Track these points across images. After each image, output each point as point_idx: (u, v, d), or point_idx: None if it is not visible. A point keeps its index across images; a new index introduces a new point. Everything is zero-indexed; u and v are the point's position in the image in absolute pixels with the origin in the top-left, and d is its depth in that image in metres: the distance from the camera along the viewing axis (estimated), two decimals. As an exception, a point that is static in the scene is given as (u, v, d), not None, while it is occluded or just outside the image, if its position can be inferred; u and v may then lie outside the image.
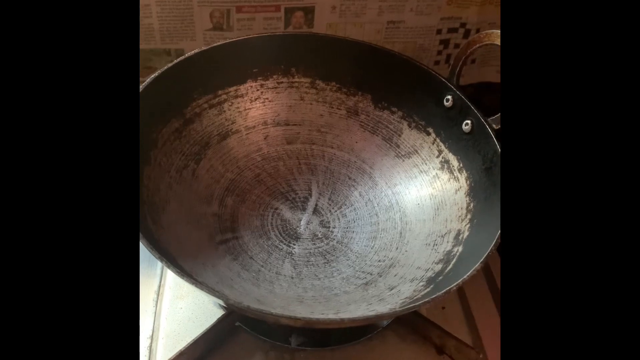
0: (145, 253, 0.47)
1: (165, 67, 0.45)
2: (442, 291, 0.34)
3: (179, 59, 0.46)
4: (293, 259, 0.45)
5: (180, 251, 0.39)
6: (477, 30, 0.59)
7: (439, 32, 0.60)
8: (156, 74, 0.44)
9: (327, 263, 0.45)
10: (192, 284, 0.33)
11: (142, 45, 0.55)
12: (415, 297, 0.38)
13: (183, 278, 0.33)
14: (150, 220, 0.39)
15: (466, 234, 0.42)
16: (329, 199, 0.50)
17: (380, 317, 0.34)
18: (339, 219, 0.48)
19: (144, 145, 0.42)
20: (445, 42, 0.61)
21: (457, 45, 0.61)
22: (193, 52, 0.47)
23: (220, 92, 0.49)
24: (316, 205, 0.49)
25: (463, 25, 0.59)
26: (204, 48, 0.47)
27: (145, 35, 0.54)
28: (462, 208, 0.44)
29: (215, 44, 0.48)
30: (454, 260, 0.40)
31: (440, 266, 0.41)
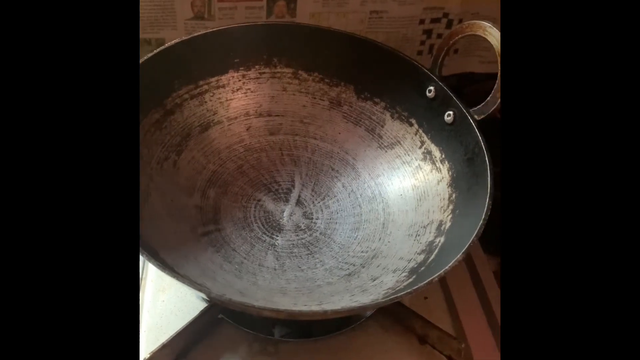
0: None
1: (145, 57, 0.44)
2: (424, 282, 0.34)
3: (159, 49, 0.45)
4: (276, 250, 0.44)
5: (161, 244, 0.39)
6: (460, 21, 0.59)
7: (421, 22, 0.59)
8: (135, 64, 0.43)
9: (310, 254, 0.45)
10: (174, 277, 0.33)
11: None
12: (397, 288, 0.38)
13: (165, 271, 0.32)
14: (130, 213, 0.39)
15: (448, 224, 0.42)
16: (312, 191, 0.49)
17: (363, 308, 0.34)
18: (322, 210, 0.48)
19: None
20: (428, 32, 0.61)
21: (439, 36, 0.61)
22: (173, 41, 0.46)
23: (201, 82, 0.49)
24: (299, 196, 0.49)
25: (446, 15, 0.59)
26: (184, 38, 0.47)
27: (125, 24, 0.53)
28: (444, 199, 0.44)
29: (196, 34, 0.47)
30: (436, 250, 0.40)
31: (422, 257, 0.41)
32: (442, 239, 0.41)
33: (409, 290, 0.33)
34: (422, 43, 0.62)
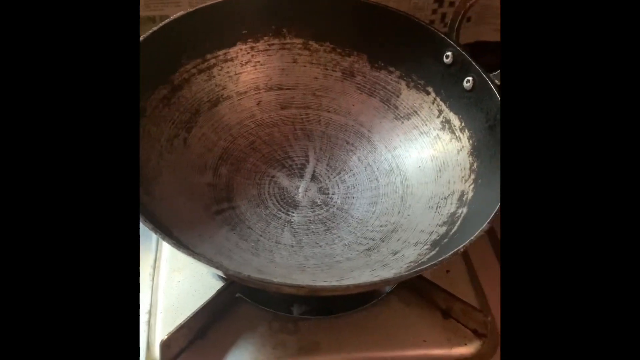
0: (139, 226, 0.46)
1: (150, 31, 0.42)
2: (448, 254, 0.32)
3: (163, 23, 0.44)
4: (292, 227, 0.43)
5: (175, 223, 0.38)
6: None
7: None
8: (141, 38, 0.42)
9: (328, 230, 0.43)
10: (190, 255, 0.31)
11: None
12: (420, 261, 0.37)
13: (180, 250, 0.31)
14: (143, 192, 0.37)
15: (470, 194, 0.40)
16: (327, 165, 0.48)
17: (385, 281, 0.33)
18: (337, 185, 0.47)
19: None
20: (440, 1, 0.59)
21: (452, 4, 0.59)
22: (178, 14, 0.44)
23: (208, 56, 0.47)
24: (314, 171, 0.47)
25: None
26: (190, 10, 0.45)
27: (128, 1, 0.51)
28: (465, 168, 0.42)
29: (201, 5, 0.46)
30: (459, 222, 0.39)
31: (444, 229, 0.39)
32: (464, 210, 0.40)
33: (432, 263, 0.32)
34: (434, 12, 0.60)
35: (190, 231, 0.39)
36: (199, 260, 0.31)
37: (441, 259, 0.32)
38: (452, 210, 0.41)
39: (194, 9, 0.45)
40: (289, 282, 0.32)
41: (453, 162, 0.44)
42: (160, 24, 0.43)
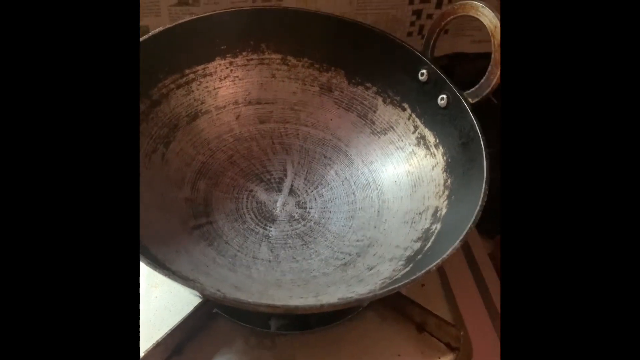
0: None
1: (128, 47, 0.42)
2: (422, 271, 0.33)
3: (142, 38, 0.44)
4: (270, 242, 0.44)
5: (152, 239, 0.38)
6: (450, 1, 0.58)
7: (411, 2, 0.58)
8: (118, 54, 0.42)
9: (305, 245, 0.44)
10: (167, 275, 0.32)
11: None
12: (394, 277, 0.38)
13: (157, 270, 0.32)
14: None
15: (444, 210, 0.41)
16: (305, 179, 0.49)
17: (360, 300, 0.33)
18: (315, 199, 0.47)
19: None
20: (417, 13, 0.60)
21: (430, 16, 0.60)
22: (157, 30, 0.45)
23: (187, 71, 0.47)
24: (292, 185, 0.48)
25: None
26: (168, 26, 0.45)
27: (107, 11, 0.51)
28: (439, 184, 0.43)
29: (180, 21, 0.46)
30: (433, 237, 0.40)
31: (419, 244, 0.40)
32: (438, 226, 0.40)
33: (406, 281, 0.33)
34: (412, 24, 0.61)
35: (167, 247, 0.39)
36: (175, 280, 0.31)
37: (414, 277, 0.33)
38: (427, 225, 0.41)
39: (172, 24, 0.45)
40: (265, 301, 0.32)
41: (428, 177, 0.45)
42: (139, 40, 0.43)
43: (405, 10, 0.59)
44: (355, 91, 0.50)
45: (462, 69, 0.64)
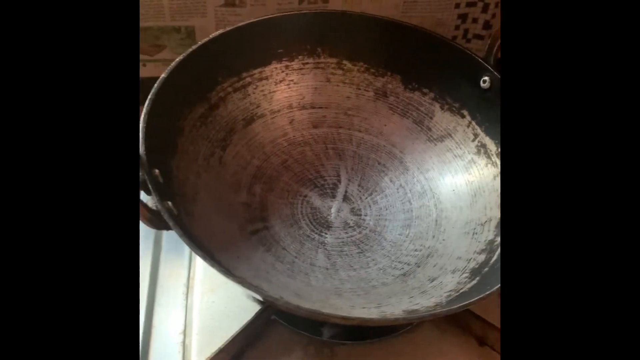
0: (171, 243, 0.46)
1: (189, 50, 0.42)
2: (495, 287, 0.32)
3: (202, 41, 0.44)
4: (326, 249, 0.43)
5: (214, 244, 0.38)
6: (497, 5, 0.57)
7: (457, 6, 0.57)
8: (180, 57, 0.42)
9: (362, 253, 0.43)
10: (234, 280, 0.31)
11: (151, 23, 0.52)
12: (460, 290, 0.37)
13: (227, 277, 0.31)
14: (183, 212, 0.37)
15: (509, 222, 0.40)
16: (359, 185, 0.48)
17: (434, 315, 0.32)
18: (370, 206, 0.47)
19: (171, 134, 0.40)
20: (463, 17, 0.59)
21: (475, 20, 0.59)
22: (216, 33, 0.44)
23: (244, 74, 0.47)
24: (346, 192, 0.47)
25: None
26: (228, 29, 0.45)
27: (155, 12, 0.52)
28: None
29: (239, 24, 0.46)
30: (498, 250, 0.39)
31: (483, 256, 0.39)
32: (503, 238, 0.39)
33: (480, 296, 0.32)
34: (457, 28, 0.60)
35: (228, 252, 0.39)
36: (242, 285, 0.31)
37: (487, 292, 0.32)
38: (490, 237, 0.40)
39: (232, 27, 0.45)
40: (340, 313, 0.32)
41: (489, 187, 0.44)
42: (199, 43, 0.43)
43: (450, 13, 0.58)
44: (412, 97, 0.49)
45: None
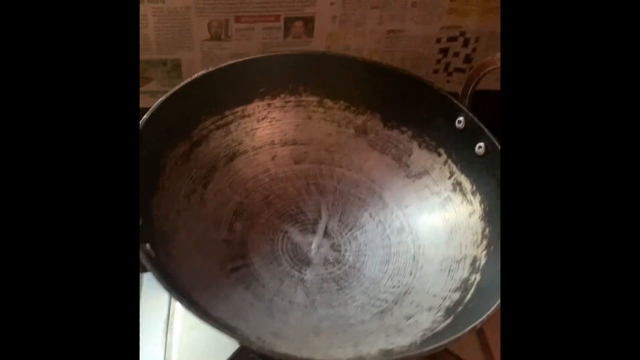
0: (151, 279, 0.46)
1: (171, 91, 0.43)
2: (467, 328, 0.33)
3: (185, 82, 0.45)
4: (305, 285, 0.44)
5: (192, 283, 0.38)
6: (477, 39, 0.59)
7: (438, 40, 0.59)
8: (163, 97, 0.43)
9: (341, 289, 0.44)
10: (211, 325, 0.32)
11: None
12: (435, 329, 0.37)
13: (202, 319, 0.32)
14: (162, 252, 0.38)
15: (483, 261, 0.41)
16: (339, 221, 0.49)
17: (405, 357, 0.33)
18: (350, 241, 0.47)
19: (153, 173, 0.41)
20: (444, 51, 0.60)
21: (456, 54, 0.61)
22: (200, 73, 0.46)
23: (227, 112, 0.48)
24: (326, 227, 0.48)
25: (462, 34, 0.59)
26: (210, 69, 0.46)
27: (142, 45, 0.52)
28: (476, 233, 0.43)
29: (222, 65, 0.47)
30: (473, 289, 0.40)
31: (458, 295, 0.40)
32: (477, 276, 0.40)
33: (452, 338, 0.32)
34: (439, 62, 0.62)
35: (207, 291, 0.39)
36: (221, 330, 0.31)
37: (459, 334, 0.33)
38: (465, 275, 0.41)
39: (215, 67, 0.46)
40: (316, 357, 0.32)
41: (464, 225, 0.45)
42: (182, 84, 0.44)
43: (432, 48, 0.59)
44: (391, 134, 0.51)
45: (486, 105, 0.64)
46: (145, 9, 0.50)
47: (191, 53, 0.55)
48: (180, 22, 0.52)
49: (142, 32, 0.51)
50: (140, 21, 0.51)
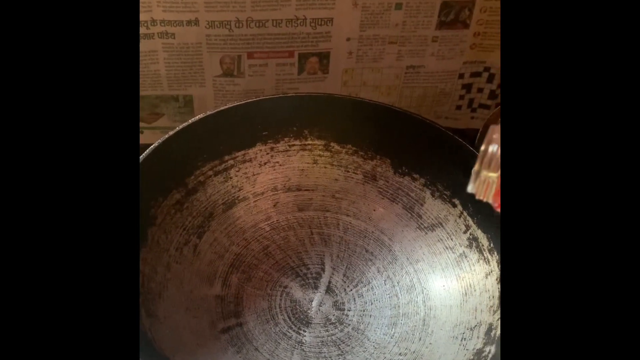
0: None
1: (165, 137, 0.41)
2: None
3: (180, 127, 0.42)
4: (303, 349, 0.40)
5: (177, 348, 0.35)
6: None
7: (461, 76, 0.56)
8: (156, 143, 0.41)
9: (342, 355, 0.40)
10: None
11: (149, 92, 0.52)
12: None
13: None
14: (144, 313, 0.35)
15: (499, 331, 0.37)
16: (344, 275, 0.45)
17: None
18: (354, 299, 0.44)
19: (141, 224, 0.39)
20: (467, 87, 0.58)
21: (480, 90, 0.58)
22: (198, 117, 0.43)
23: (227, 157, 0.46)
24: (329, 282, 0.44)
25: (487, 69, 0.56)
26: (209, 113, 0.44)
27: (152, 81, 0.51)
28: (493, 297, 0.39)
29: (222, 108, 0.44)
30: (488, 364, 0.35)
31: (471, 370, 0.36)
32: (492, 349, 0.36)
33: None
34: (461, 97, 0.59)
35: (193, 357, 0.36)
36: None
37: None
38: (479, 346, 0.37)
39: (214, 111, 0.44)
40: None
41: (480, 286, 0.40)
42: (177, 128, 0.42)
43: (454, 83, 0.57)
44: (402, 181, 0.47)
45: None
46: (155, 44, 0.49)
47: (203, 89, 0.53)
48: (192, 57, 0.50)
49: (152, 67, 0.50)
50: (151, 57, 0.49)
